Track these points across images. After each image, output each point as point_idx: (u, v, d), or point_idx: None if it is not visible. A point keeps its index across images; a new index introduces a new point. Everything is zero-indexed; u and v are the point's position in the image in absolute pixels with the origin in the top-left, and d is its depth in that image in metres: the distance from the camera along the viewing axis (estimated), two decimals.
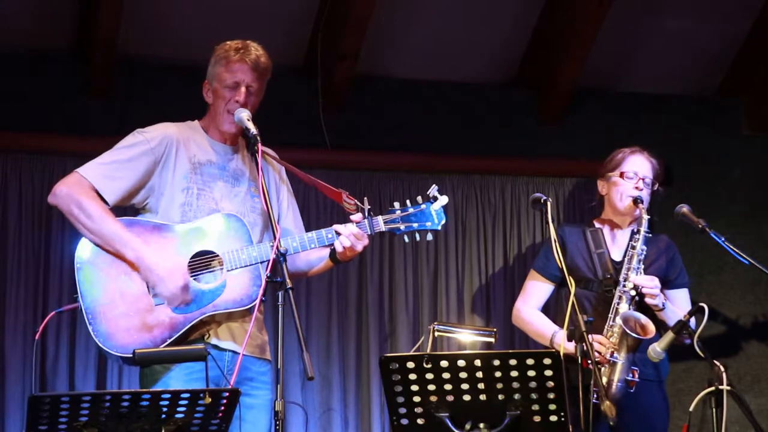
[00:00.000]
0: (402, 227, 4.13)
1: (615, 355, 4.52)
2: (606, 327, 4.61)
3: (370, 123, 6.11)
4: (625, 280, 4.65)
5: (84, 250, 3.94)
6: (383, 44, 6.00)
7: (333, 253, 4.12)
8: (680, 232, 5.08)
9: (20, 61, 5.69)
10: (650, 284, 4.65)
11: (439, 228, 4.16)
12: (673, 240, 4.97)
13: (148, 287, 3.93)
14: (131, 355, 3.82)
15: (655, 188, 4.87)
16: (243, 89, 4.08)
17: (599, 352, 4.53)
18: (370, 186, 6.00)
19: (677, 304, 4.82)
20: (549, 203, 4.46)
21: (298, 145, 5.82)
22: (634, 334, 4.49)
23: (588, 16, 5.84)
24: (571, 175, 6.21)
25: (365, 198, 4.15)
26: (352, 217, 4.09)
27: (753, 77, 6.47)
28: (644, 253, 4.68)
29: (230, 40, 4.18)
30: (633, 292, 4.64)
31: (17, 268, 5.49)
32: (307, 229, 4.18)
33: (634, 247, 4.69)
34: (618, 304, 4.63)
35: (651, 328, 4.53)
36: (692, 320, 4.31)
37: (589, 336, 4.49)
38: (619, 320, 4.56)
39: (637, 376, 4.53)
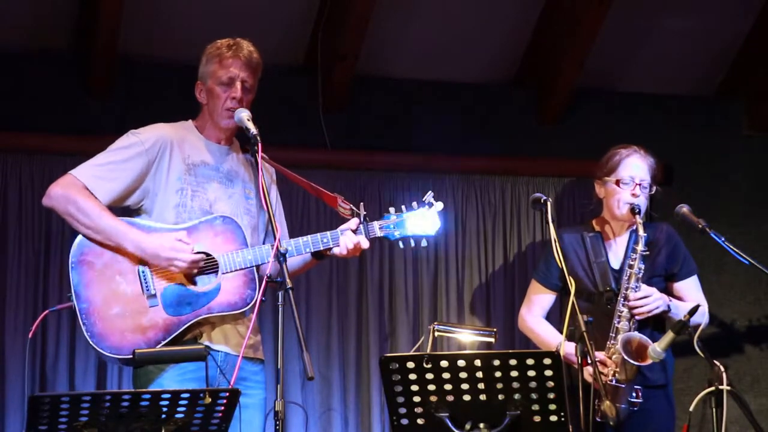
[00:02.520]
0: (397, 233, 4.12)
1: (617, 379, 4.49)
2: (607, 344, 4.58)
3: (370, 123, 6.11)
4: (625, 299, 4.61)
5: (78, 249, 3.93)
6: (383, 44, 6.00)
7: (316, 251, 4.11)
8: (680, 232, 5.06)
9: (20, 61, 5.69)
10: (642, 303, 4.60)
11: (434, 234, 4.15)
12: (676, 233, 4.87)
13: (142, 288, 3.92)
14: (126, 356, 3.83)
15: (653, 191, 4.81)
16: (238, 84, 4.07)
17: (602, 372, 4.49)
18: (370, 186, 6.00)
19: (687, 295, 4.77)
20: (549, 203, 4.43)
21: (298, 145, 5.83)
22: (633, 362, 4.44)
23: (588, 16, 5.84)
24: (571, 175, 6.21)
25: (361, 203, 4.14)
26: (348, 223, 4.09)
27: (753, 77, 6.47)
28: (642, 272, 4.63)
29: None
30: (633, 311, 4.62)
31: (17, 268, 5.49)
32: (307, 233, 4.16)
33: (631, 266, 4.63)
34: (618, 322, 4.60)
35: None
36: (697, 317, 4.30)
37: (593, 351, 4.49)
38: (618, 344, 4.52)
39: (640, 396, 4.50)
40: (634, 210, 4.68)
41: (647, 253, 4.63)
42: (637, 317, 4.60)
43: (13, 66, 5.67)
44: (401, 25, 5.99)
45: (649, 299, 4.60)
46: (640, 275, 4.61)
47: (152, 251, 3.90)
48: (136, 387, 3.91)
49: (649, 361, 4.39)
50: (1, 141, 5.55)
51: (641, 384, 4.53)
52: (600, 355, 4.51)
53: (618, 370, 4.48)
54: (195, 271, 3.92)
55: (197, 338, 3.96)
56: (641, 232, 4.61)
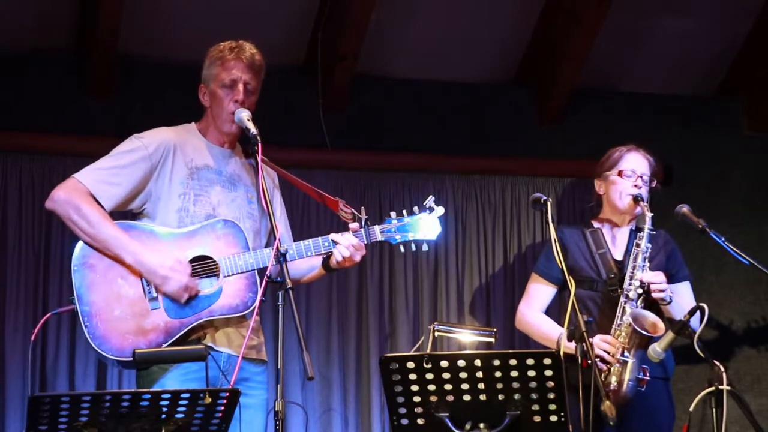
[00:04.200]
0: (398, 237, 4.12)
1: (625, 353, 4.51)
2: (614, 327, 4.59)
3: (370, 123, 6.11)
4: (631, 278, 4.64)
5: (80, 252, 3.93)
6: (383, 44, 6.00)
7: (326, 262, 4.13)
8: (680, 232, 5.08)
9: (20, 60, 5.69)
10: (657, 279, 4.64)
11: (435, 239, 4.15)
12: (673, 239, 4.96)
13: (144, 291, 3.92)
14: (127, 359, 3.84)
15: (654, 185, 4.85)
16: (241, 86, 4.07)
17: (609, 352, 4.52)
18: (370, 186, 6.00)
19: (680, 298, 4.80)
20: (549, 203, 4.43)
21: (298, 145, 5.83)
22: (644, 332, 4.47)
23: (588, 16, 5.84)
24: (571, 175, 6.21)
25: (362, 208, 4.14)
26: (350, 226, 4.09)
27: (753, 77, 6.47)
28: (649, 250, 4.66)
29: (230, 40, 4.17)
30: (640, 290, 4.63)
31: (17, 268, 5.49)
32: (307, 236, 4.17)
33: (638, 245, 4.66)
34: (625, 302, 4.62)
35: (660, 325, 4.51)
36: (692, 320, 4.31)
37: (597, 336, 4.51)
38: (628, 318, 4.54)
39: (648, 374, 4.52)
40: (636, 198, 4.72)
41: (654, 232, 4.66)
42: (653, 294, 4.61)
43: (13, 66, 5.67)
44: (401, 25, 5.99)
45: (662, 278, 4.64)
46: (647, 254, 4.64)
47: (150, 267, 3.89)
48: (139, 387, 3.91)
49: (660, 333, 4.41)
50: (1, 141, 5.55)
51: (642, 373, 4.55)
52: (606, 336, 4.54)
53: (627, 345, 4.50)
54: (183, 299, 3.91)
55: (201, 339, 3.97)
56: (648, 212, 4.65)
